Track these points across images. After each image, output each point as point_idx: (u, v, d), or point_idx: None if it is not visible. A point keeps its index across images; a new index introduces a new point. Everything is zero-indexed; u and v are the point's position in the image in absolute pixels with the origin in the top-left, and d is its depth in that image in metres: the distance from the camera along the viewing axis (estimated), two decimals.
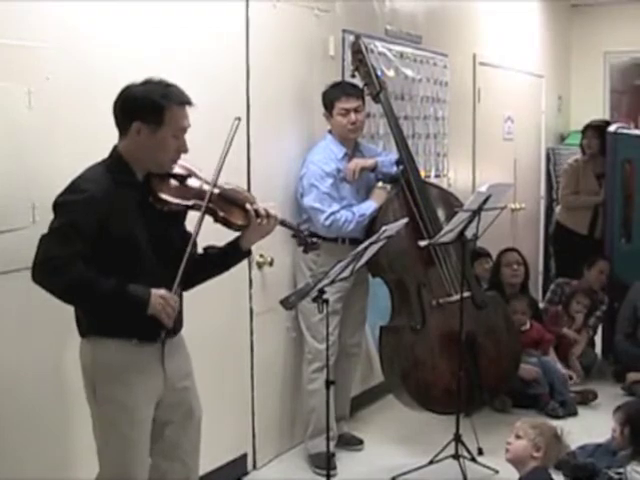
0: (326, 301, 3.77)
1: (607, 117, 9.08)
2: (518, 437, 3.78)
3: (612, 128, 6.96)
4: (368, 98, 4.97)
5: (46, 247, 2.80)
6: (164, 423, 3.14)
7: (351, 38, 5.11)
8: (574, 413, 5.65)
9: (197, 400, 3.29)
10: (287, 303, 3.74)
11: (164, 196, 3.01)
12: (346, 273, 3.91)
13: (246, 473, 4.74)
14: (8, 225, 3.06)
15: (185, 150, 3.04)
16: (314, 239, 3.45)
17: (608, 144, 6.92)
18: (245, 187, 4.52)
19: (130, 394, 2.98)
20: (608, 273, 6.74)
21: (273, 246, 4.62)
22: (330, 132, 4.85)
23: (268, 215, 3.20)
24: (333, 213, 4.66)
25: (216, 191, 3.12)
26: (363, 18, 5.58)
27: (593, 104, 9.55)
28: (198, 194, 3.09)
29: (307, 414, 4.88)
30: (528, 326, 6.00)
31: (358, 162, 4.80)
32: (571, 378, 5.99)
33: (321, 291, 3.75)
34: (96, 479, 3.08)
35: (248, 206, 3.18)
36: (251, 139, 4.57)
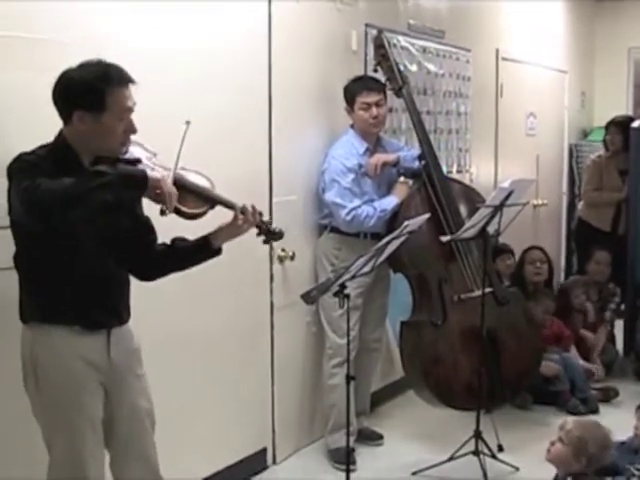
0: (347, 296, 3.76)
1: (631, 113, 9.00)
2: (562, 441, 3.69)
3: (636, 124, 6.89)
4: (390, 93, 4.95)
5: (29, 195, 2.60)
6: (112, 419, 3.02)
7: (374, 32, 5.10)
8: (595, 410, 5.61)
9: (144, 394, 3.13)
10: (308, 298, 3.73)
11: None
12: (367, 268, 3.90)
13: (266, 467, 4.75)
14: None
15: (133, 131, 2.89)
16: (277, 228, 3.27)
17: (631, 140, 6.86)
18: (267, 181, 4.53)
19: (74, 379, 2.87)
20: (609, 262, 6.67)
21: (295, 240, 4.62)
22: (352, 127, 4.85)
23: (250, 212, 3.11)
24: (354, 208, 4.65)
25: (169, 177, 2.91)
26: (386, 12, 5.56)
27: (617, 100, 9.48)
28: None
29: (327, 409, 4.88)
30: (549, 322, 5.97)
31: (380, 157, 4.79)
32: (593, 374, 5.96)
33: (342, 286, 3.74)
34: (49, 468, 2.96)
35: (239, 206, 3.09)
36: (273, 133, 4.57)
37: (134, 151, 2.98)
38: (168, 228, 3.11)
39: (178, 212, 2.98)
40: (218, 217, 3.13)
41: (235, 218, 3.11)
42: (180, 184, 2.96)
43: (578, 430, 3.67)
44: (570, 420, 3.81)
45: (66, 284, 2.87)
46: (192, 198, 3.01)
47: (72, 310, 2.88)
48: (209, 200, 3.06)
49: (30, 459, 3.16)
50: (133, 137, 2.93)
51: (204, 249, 3.17)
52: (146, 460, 3.13)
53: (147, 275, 3.18)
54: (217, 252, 3.20)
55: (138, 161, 2.96)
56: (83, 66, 2.83)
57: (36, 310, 2.89)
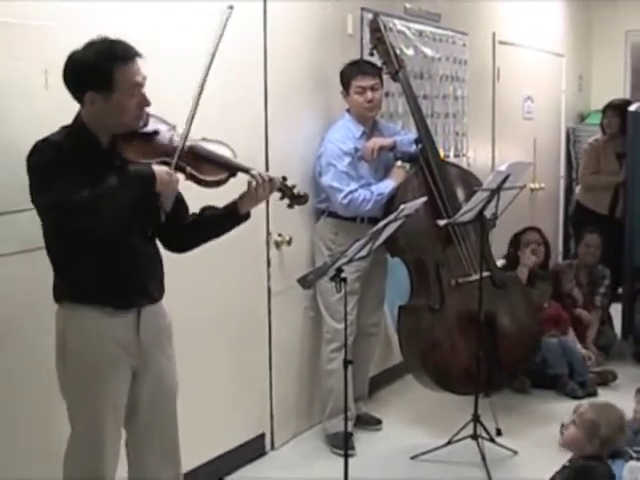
0: (344, 280, 3.74)
1: (628, 96, 8.97)
2: (575, 424, 3.64)
3: (633, 107, 6.88)
4: (387, 77, 4.93)
5: (47, 198, 2.70)
6: (137, 400, 3.05)
7: (370, 16, 5.08)
8: (593, 394, 5.61)
9: (173, 376, 3.18)
10: (305, 282, 3.71)
11: (129, 156, 2.89)
12: (364, 252, 3.88)
13: (264, 453, 4.75)
14: (24, 205, 3.04)
15: (147, 104, 2.90)
16: (301, 192, 3.29)
17: (629, 123, 6.84)
18: (263, 166, 4.51)
19: (102, 361, 2.91)
20: (599, 244, 6.61)
21: (292, 225, 4.61)
22: (348, 111, 4.83)
23: (264, 180, 3.11)
24: (351, 192, 4.63)
25: (186, 145, 2.97)
26: None
27: (614, 83, 9.45)
28: (167, 151, 2.95)
29: (325, 394, 4.88)
30: (546, 304, 5.96)
31: (377, 141, 4.77)
32: (590, 358, 5.96)
33: (339, 270, 3.72)
34: (68, 442, 3.00)
35: (254, 172, 3.10)
36: (269, 118, 4.55)
37: (153, 124, 2.99)
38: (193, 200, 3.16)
39: (197, 180, 3.01)
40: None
41: (250, 183, 3.12)
42: (196, 152, 3.01)
43: (591, 413, 3.65)
44: (585, 403, 3.79)
45: (93, 264, 2.88)
46: (209, 166, 3.04)
47: (101, 290, 2.91)
48: (227, 167, 3.08)
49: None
50: (152, 110, 2.94)
51: (232, 216, 3.19)
52: (167, 441, 3.16)
53: (181, 246, 3.21)
54: (245, 217, 3.21)
55: (156, 133, 2.98)
56: (87, 46, 2.82)
57: (67, 290, 2.93)
